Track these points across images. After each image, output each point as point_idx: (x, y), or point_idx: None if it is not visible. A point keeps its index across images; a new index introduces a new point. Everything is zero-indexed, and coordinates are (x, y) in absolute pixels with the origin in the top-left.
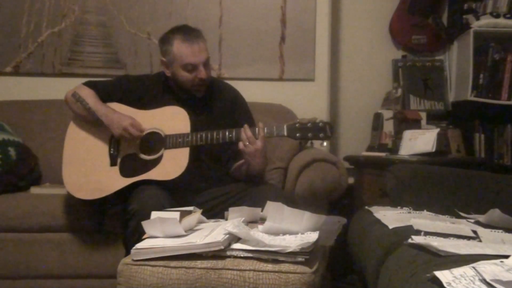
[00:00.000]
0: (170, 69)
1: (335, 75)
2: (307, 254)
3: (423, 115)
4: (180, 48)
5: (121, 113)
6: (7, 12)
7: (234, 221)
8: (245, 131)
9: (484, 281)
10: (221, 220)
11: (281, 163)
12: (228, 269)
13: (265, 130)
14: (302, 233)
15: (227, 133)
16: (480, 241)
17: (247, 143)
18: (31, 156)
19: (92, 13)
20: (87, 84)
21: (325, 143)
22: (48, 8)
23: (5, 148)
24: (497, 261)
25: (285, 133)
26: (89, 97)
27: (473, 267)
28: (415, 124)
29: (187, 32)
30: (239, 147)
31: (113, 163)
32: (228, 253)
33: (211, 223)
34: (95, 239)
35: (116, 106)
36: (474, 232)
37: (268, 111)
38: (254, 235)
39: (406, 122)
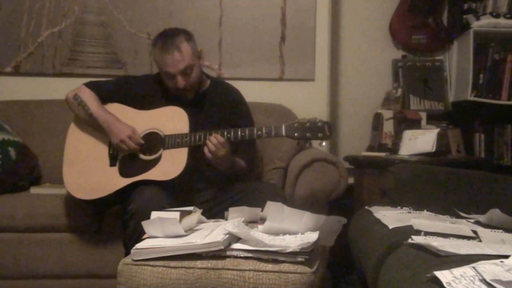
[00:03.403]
0: (159, 71)
1: (335, 75)
2: (307, 254)
3: (423, 115)
4: (158, 57)
5: (122, 123)
6: (7, 12)
7: (234, 221)
8: (217, 138)
9: (484, 281)
10: (221, 220)
11: (281, 163)
12: (228, 269)
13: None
14: (302, 233)
15: (225, 133)
16: (480, 241)
17: (214, 149)
18: (31, 156)
19: (92, 13)
20: (88, 85)
21: (324, 143)
22: (48, 8)
23: (5, 148)
24: (497, 261)
25: (284, 133)
26: (91, 100)
27: (473, 267)
28: (415, 124)
29: (166, 40)
30: (204, 152)
31: (112, 164)
32: (228, 253)
33: (211, 223)
34: (95, 239)
35: (116, 106)
36: (474, 232)
37: (268, 111)
38: (254, 235)
39: (406, 122)
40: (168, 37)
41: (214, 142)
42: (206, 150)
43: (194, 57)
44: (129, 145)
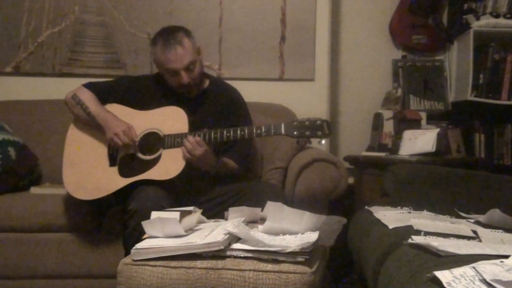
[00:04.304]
0: (159, 70)
1: (335, 75)
2: (307, 254)
3: (423, 115)
4: (160, 54)
5: (119, 119)
6: (7, 12)
7: (234, 221)
8: (188, 140)
9: (484, 281)
10: (221, 220)
11: (281, 163)
12: (228, 269)
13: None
14: (302, 233)
15: (224, 132)
16: (480, 241)
17: (190, 148)
18: (31, 156)
19: (92, 13)
20: (86, 86)
21: (323, 141)
22: (48, 8)
23: (5, 148)
24: (497, 261)
25: (283, 132)
26: (89, 100)
27: (473, 267)
28: (415, 124)
29: (168, 37)
30: (183, 157)
31: (112, 164)
32: (228, 253)
33: (211, 223)
34: (95, 239)
35: (115, 107)
36: (474, 232)
37: (268, 111)
38: (254, 235)
39: (406, 122)
40: (168, 34)
41: (191, 141)
42: (183, 151)
43: (195, 53)
44: (123, 139)
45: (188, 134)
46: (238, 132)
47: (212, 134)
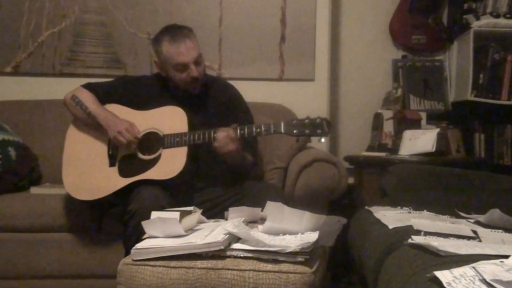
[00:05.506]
0: (164, 69)
1: (335, 75)
2: (307, 254)
3: (423, 115)
4: (168, 50)
5: (120, 118)
6: (7, 12)
7: (234, 221)
8: (228, 132)
9: (484, 281)
10: (221, 220)
11: (281, 163)
12: (228, 269)
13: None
14: (302, 233)
15: None
16: (480, 241)
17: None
18: (31, 156)
19: (92, 13)
20: (86, 86)
21: (322, 140)
22: (48, 8)
23: (5, 148)
24: (497, 261)
25: (282, 130)
26: (89, 100)
27: (473, 267)
28: (415, 124)
29: (174, 32)
30: (214, 146)
31: (112, 164)
32: (228, 253)
33: (211, 223)
34: (95, 239)
35: (115, 107)
36: (474, 232)
37: (268, 111)
38: (254, 235)
39: (406, 122)
40: (175, 30)
41: (223, 135)
42: (215, 143)
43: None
44: (126, 136)
45: (188, 133)
46: (238, 131)
47: (212, 133)
